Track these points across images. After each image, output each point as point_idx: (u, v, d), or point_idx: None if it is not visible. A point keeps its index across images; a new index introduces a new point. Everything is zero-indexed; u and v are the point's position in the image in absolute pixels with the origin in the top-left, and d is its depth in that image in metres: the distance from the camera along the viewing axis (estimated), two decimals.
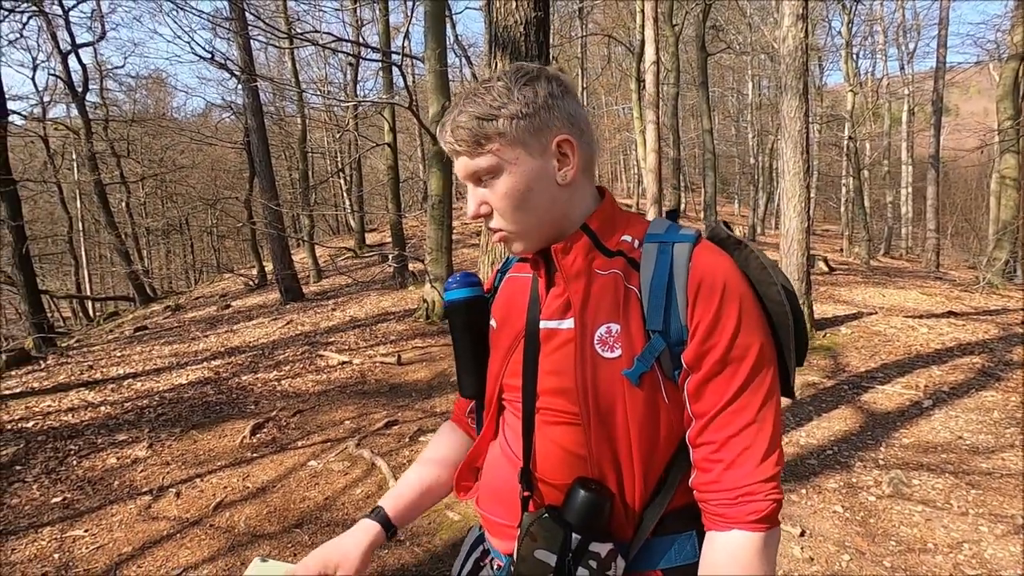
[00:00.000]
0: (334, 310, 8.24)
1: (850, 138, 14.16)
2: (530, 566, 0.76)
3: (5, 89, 8.36)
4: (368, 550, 0.92)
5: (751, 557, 0.71)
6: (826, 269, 10.10)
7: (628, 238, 0.82)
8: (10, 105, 8.79)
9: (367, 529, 0.94)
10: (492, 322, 0.94)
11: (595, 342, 0.77)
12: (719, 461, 0.74)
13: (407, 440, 3.87)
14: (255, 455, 3.79)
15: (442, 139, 0.81)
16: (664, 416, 0.77)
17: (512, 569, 0.81)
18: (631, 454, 0.77)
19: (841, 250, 16.01)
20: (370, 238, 16.13)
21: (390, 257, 9.73)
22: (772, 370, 0.76)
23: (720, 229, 0.85)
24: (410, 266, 9.73)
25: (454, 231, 7.89)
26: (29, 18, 11.66)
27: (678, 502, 0.80)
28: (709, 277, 0.75)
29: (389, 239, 12.18)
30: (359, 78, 14.61)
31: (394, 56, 9.06)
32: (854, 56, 15.76)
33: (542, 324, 0.83)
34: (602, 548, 0.75)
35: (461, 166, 0.81)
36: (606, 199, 0.85)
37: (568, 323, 0.81)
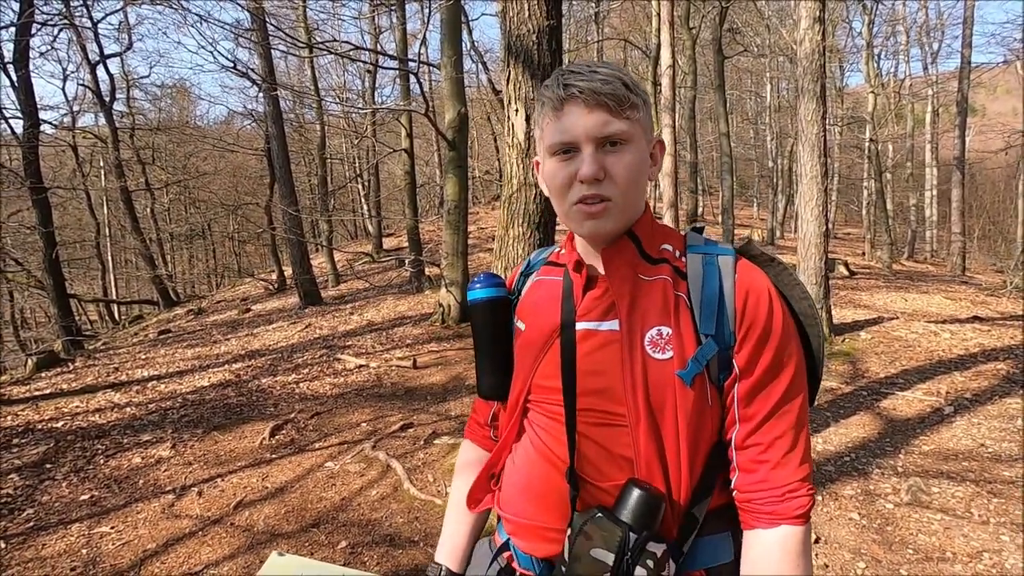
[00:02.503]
0: (351, 314, 8.35)
1: (872, 140, 13.93)
2: (586, 565, 0.76)
3: (37, 99, 8.63)
4: None
5: (800, 548, 0.77)
6: (847, 273, 9.95)
7: (669, 247, 0.86)
8: (41, 115, 9.07)
9: None
10: (520, 324, 0.93)
11: (645, 344, 0.79)
12: (766, 462, 0.78)
13: (422, 443, 3.91)
14: (274, 456, 3.87)
15: (579, 83, 0.77)
16: (708, 417, 0.80)
17: (562, 571, 0.80)
18: (678, 454, 0.79)
19: (863, 254, 15.73)
20: (387, 243, 16.30)
21: (407, 262, 9.83)
22: (805, 377, 0.83)
23: (753, 246, 0.89)
24: (426, 271, 9.81)
25: (469, 236, 7.95)
26: (60, 30, 12.04)
27: (715, 503, 0.82)
28: (755, 289, 0.80)
29: (406, 244, 12.29)
30: (377, 85, 14.81)
31: (411, 63, 9.18)
32: (876, 57, 15.52)
33: (579, 325, 0.84)
34: (658, 548, 0.76)
35: (597, 121, 0.77)
36: (647, 209, 0.88)
37: (609, 324, 0.82)
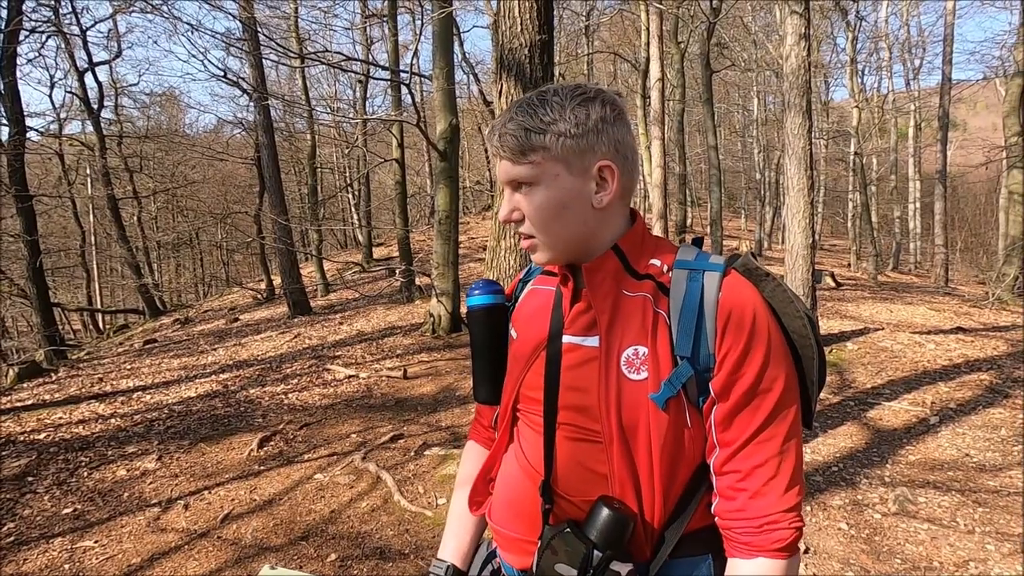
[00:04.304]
0: (341, 324, 8.30)
1: (856, 153, 14.18)
2: None
3: (23, 106, 8.56)
4: None
5: None
6: (833, 284, 10.07)
7: (657, 262, 0.83)
8: (28, 122, 9.00)
9: None
10: (513, 332, 0.94)
11: (621, 363, 0.78)
12: (744, 490, 0.76)
13: (412, 454, 3.89)
14: (262, 468, 3.82)
15: (489, 141, 0.83)
16: (686, 440, 0.78)
17: None
18: (652, 475, 0.78)
19: (849, 265, 15.95)
20: (377, 252, 16.25)
21: (397, 271, 9.82)
22: (796, 403, 0.78)
23: (748, 260, 0.86)
24: (417, 280, 9.79)
25: (460, 246, 7.96)
26: (48, 37, 11.98)
27: (695, 525, 0.81)
28: (739, 308, 0.76)
29: (396, 253, 12.27)
30: (368, 95, 14.85)
31: (402, 74, 9.22)
32: (859, 72, 15.85)
33: (565, 339, 0.84)
34: (622, 568, 0.75)
35: (502, 170, 0.82)
36: (637, 223, 0.86)
37: (592, 340, 0.81)
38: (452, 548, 1.00)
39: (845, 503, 3.05)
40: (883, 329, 6.35)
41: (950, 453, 3.56)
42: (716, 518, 0.79)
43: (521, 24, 2.84)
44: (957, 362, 5.18)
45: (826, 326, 6.44)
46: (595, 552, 0.75)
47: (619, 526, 0.76)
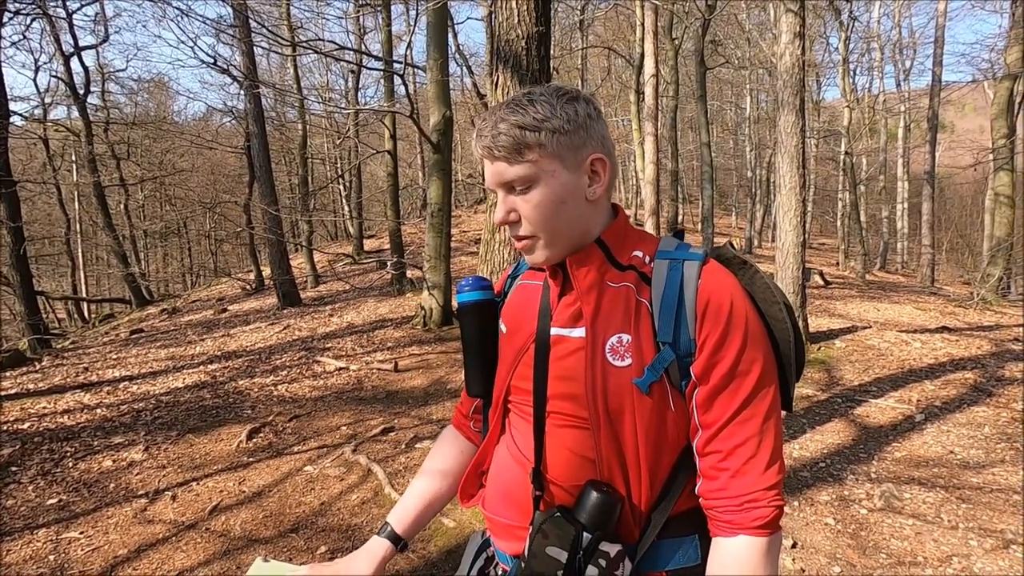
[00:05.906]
0: (331, 316, 8.25)
1: (847, 153, 14.29)
2: (541, 562, 0.79)
3: (7, 90, 8.38)
4: (380, 566, 0.96)
5: (756, 561, 0.75)
6: (822, 283, 10.17)
7: (639, 253, 0.86)
8: (11, 106, 8.83)
9: (377, 546, 0.98)
10: (502, 326, 0.96)
11: (606, 351, 0.80)
12: (725, 469, 0.78)
13: (403, 447, 3.88)
14: (251, 460, 3.80)
15: (479, 143, 0.82)
16: (670, 424, 0.80)
17: (522, 567, 0.83)
18: (638, 459, 0.80)
19: (837, 264, 16.11)
20: (368, 244, 16.16)
21: (388, 264, 9.76)
22: (775, 384, 0.81)
23: (727, 250, 0.89)
24: (408, 273, 9.75)
25: (452, 239, 7.93)
26: (33, 20, 11.73)
27: (682, 507, 0.83)
28: (717, 295, 0.79)
29: (387, 246, 12.22)
30: (360, 85, 14.69)
31: (396, 65, 9.14)
32: (851, 72, 15.95)
33: (553, 331, 0.86)
34: (611, 548, 0.78)
35: (495, 172, 0.82)
36: (620, 216, 0.89)
37: (579, 331, 0.83)
38: (399, 513, 1.02)
39: (832, 499, 3.08)
40: (870, 327, 6.42)
41: (935, 450, 3.61)
42: (700, 498, 0.81)
43: (518, 15, 2.81)
44: (942, 361, 5.26)
45: (815, 324, 6.50)
46: (584, 534, 0.78)
47: (607, 508, 0.79)
